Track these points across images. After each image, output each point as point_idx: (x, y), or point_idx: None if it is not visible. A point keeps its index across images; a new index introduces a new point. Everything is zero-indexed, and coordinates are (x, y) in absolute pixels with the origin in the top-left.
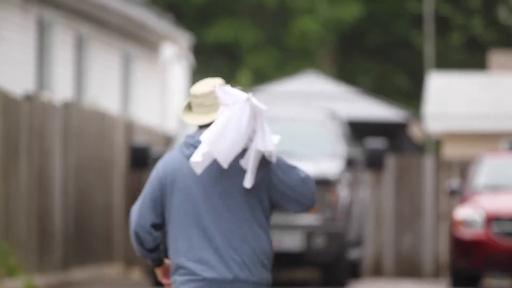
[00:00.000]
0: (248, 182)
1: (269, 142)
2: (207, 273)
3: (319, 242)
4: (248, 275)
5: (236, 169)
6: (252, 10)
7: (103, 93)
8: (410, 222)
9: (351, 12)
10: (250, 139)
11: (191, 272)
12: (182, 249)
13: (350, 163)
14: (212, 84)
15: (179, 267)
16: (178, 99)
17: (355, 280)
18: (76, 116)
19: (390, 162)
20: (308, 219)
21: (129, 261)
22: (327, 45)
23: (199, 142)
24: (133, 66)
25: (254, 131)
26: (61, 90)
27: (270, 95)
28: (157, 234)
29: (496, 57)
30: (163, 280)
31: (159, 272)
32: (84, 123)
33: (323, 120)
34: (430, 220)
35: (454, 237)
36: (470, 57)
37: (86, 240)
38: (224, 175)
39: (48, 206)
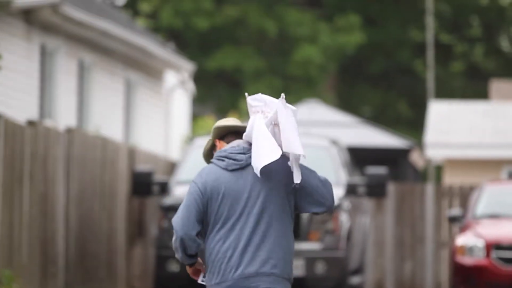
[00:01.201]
0: (297, 177)
1: (299, 149)
2: (235, 273)
3: (321, 268)
4: (278, 271)
5: (272, 173)
6: (254, 38)
7: (106, 121)
8: (411, 249)
9: (353, 40)
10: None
11: (233, 281)
12: (213, 251)
13: (352, 190)
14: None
15: (212, 271)
16: (180, 127)
17: None
18: (79, 142)
19: (391, 189)
20: (310, 245)
21: (131, 286)
22: (328, 73)
23: (231, 153)
24: (136, 94)
25: (294, 128)
26: (64, 117)
27: None
28: (200, 241)
29: (497, 86)
30: (194, 277)
31: (190, 270)
32: (87, 149)
33: (325, 147)
34: (431, 247)
35: (455, 264)
36: (472, 86)
37: (89, 265)
38: (261, 180)
39: (51, 232)
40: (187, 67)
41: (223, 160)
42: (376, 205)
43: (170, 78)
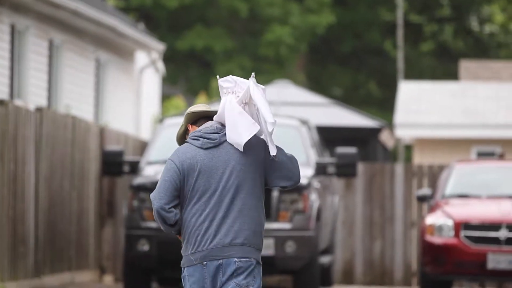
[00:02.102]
0: (272, 150)
1: (270, 117)
2: (210, 244)
3: (290, 248)
4: (250, 241)
5: (246, 149)
6: (224, 18)
7: (77, 100)
8: (381, 228)
9: (323, 20)
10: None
11: (204, 251)
12: (190, 224)
13: (321, 170)
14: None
15: (189, 241)
16: (151, 107)
17: (326, 287)
18: (49, 122)
19: (361, 169)
20: (280, 225)
21: (102, 268)
22: (299, 53)
23: (205, 133)
24: (106, 74)
25: (258, 108)
26: (34, 97)
27: None
28: (175, 211)
29: (466, 66)
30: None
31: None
32: (57, 129)
33: (294, 127)
34: (400, 227)
35: (424, 243)
36: (442, 66)
37: (59, 245)
38: (235, 157)
39: (21, 212)
40: (158, 47)
41: (198, 140)
42: (345, 185)
43: (141, 58)
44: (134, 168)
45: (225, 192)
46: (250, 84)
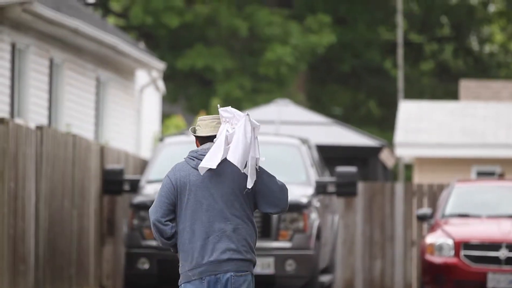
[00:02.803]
0: (249, 183)
1: (259, 152)
2: (207, 260)
3: (291, 266)
4: (245, 256)
5: (234, 174)
6: (224, 38)
7: (77, 119)
8: (381, 248)
9: (323, 40)
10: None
11: (199, 267)
12: (185, 241)
13: (322, 189)
14: (213, 116)
15: (184, 259)
16: (151, 126)
17: None
18: (50, 140)
19: (361, 188)
20: (280, 244)
21: (102, 286)
22: (299, 73)
23: (200, 155)
24: (107, 92)
25: (250, 142)
26: (35, 115)
27: None
28: (171, 224)
29: (466, 85)
30: None
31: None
32: (58, 147)
33: (295, 146)
34: (401, 246)
35: (424, 263)
36: (442, 85)
37: (59, 264)
38: (224, 180)
39: (21, 230)
40: (158, 66)
41: (193, 160)
42: (346, 204)
43: (141, 77)
44: (134, 186)
45: (215, 211)
46: (242, 122)
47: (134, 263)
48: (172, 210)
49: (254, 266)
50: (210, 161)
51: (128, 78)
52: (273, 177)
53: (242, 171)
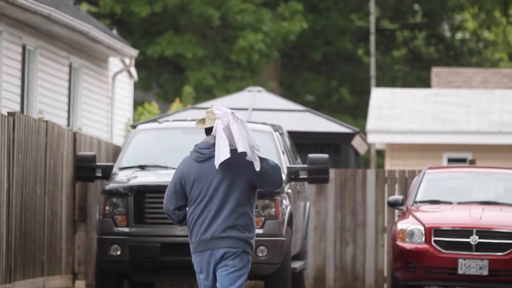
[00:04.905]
0: (257, 166)
1: (254, 141)
2: (205, 235)
3: (262, 253)
4: (239, 235)
5: (236, 164)
6: (196, 25)
7: (50, 105)
8: (353, 234)
9: (296, 27)
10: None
11: (198, 243)
12: (196, 225)
13: (294, 176)
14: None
15: (191, 233)
16: (124, 112)
17: None
18: (22, 127)
19: (333, 174)
20: None
21: (74, 273)
22: (271, 60)
23: (200, 148)
24: (80, 79)
25: (246, 133)
26: (7, 102)
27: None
28: (179, 212)
29: (438, 73)
30: None
31: None
32: (30, 133)
33: (267, 133)
34: (372, 232)
35: (395, 249)
36: (414, 73)
37: (31, 251)
38: (226, 169)
39: None
40: (131, 53)
41: (194, 153)
42: (317, 191)
43: (114, 64)
44: (107, 173)
45: (217, 196)
46: (230, 119)
47: (106, 250)
48: (181, 198)
49: (250, 246)
50: (222, 154)
51: (101, 65)
52: (265, 160)
53: (247, 158)
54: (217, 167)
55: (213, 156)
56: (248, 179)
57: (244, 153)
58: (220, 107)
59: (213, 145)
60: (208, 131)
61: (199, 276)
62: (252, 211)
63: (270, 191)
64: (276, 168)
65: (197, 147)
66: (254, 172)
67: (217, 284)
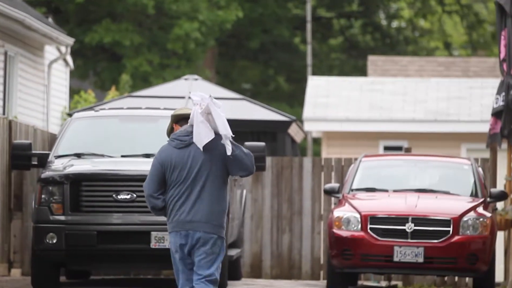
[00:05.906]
0: (228, 151)
1: (227, 126)
2: (182, 218)
3: None
4: (212, 219)
5: (210, 148)
6: (132, 13)
7: None
8: (289, 222)
9: (232, 15)
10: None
11: (176, 223)
12: (174, 207)
13: None
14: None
15: (169, 215)
16: (60, 101)
17: (235, 281)
18: None
19: (269, 162)
20: None
21: (10, 261)
22: (207, 49)
23: (179, 136)
24: (15, 67)
25: (219, 119)
26: None
27: (151, 98)
28: (162, 197)
29: (374, 61)
30: None
31: None
32: None
33: None
34: (309, 220)
35: (331, 236)
36: (351, 61)
37: None
38: (202, 154)
39: None
40: (67, 41)
41: (173, 141)
42: (254, 179)
43: (50, 52)
44: (43, 161)
45: (195, 181)
46: (209, 103)
47: (42, 238)
48: (161, 184)
49: (225, 230)
50: (205, 136)
51: (36, 53)
52: (239, 147)
53: (222, 142)
54: (201, 148)
55: (193, 143)
56: (224, 164)
57: (220, 137)
58: (198, 93)
59: (192, 132)
60: (182, 120)
61: (175, 256)
62: (227, 195)
63: (242, 177)
64: (249, 156)
65: (175, 135)
66: (227, 157)
67: (194, 268)
